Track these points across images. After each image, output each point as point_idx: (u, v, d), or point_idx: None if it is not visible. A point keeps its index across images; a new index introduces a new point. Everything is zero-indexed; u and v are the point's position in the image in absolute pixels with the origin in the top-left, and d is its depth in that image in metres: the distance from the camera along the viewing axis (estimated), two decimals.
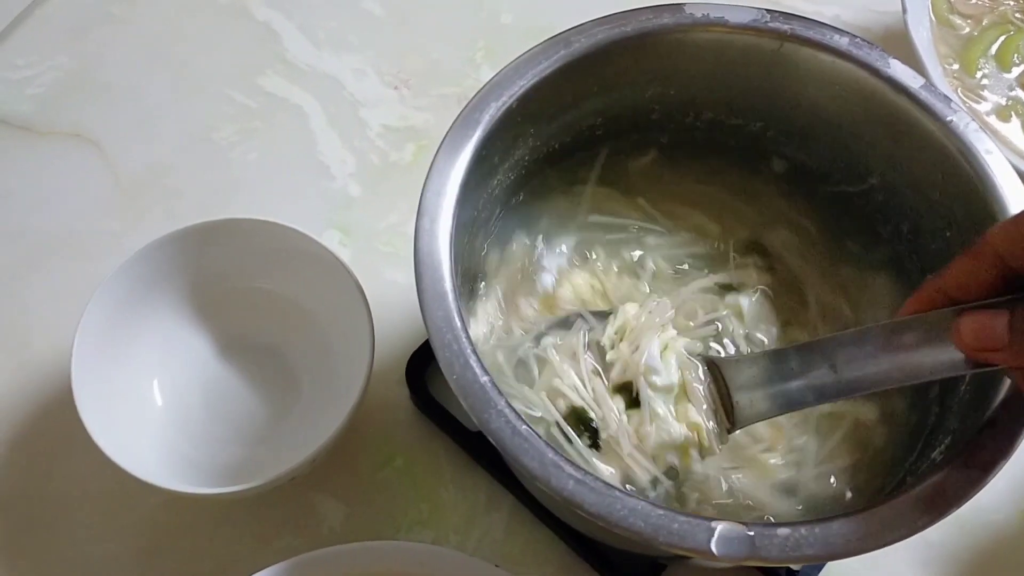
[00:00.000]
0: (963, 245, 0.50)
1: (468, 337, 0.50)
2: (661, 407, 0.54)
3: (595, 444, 0.55)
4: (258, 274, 0.68)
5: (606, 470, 0.54)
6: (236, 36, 0.86)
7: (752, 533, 0.45)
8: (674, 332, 0.57)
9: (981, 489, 0.47)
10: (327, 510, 0.65)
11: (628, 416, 0.55)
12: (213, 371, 0.67)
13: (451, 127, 0.56)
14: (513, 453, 0.47)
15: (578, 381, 0.56)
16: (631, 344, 0.56)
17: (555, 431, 0.55)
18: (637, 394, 0.55)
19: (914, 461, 0.55)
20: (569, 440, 0.55)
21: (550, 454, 0.47)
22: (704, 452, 0.54)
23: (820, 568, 0.63)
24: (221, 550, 0.64)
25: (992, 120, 0.74)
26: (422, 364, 0.68)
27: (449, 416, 0.66)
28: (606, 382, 0.56)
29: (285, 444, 0.64)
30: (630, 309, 0.57)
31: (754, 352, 0.59)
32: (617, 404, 0.55)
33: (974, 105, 0.75)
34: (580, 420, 0.55)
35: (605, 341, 0.57)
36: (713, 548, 0.45)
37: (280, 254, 0.66)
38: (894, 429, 0.59)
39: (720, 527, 0.45)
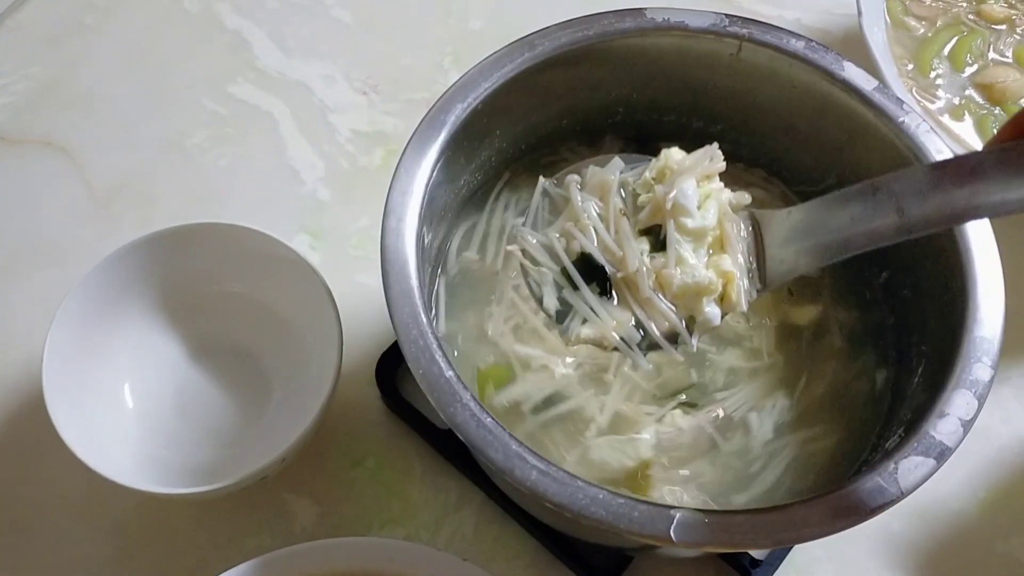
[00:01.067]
0: (915, 244, 0.51)
1: (434, 333, 0.51)
2: (689, 253, 0.50)
3: (605, 292, 0.51)
4: (229, 278, 0.69)
5: (621, 315, 0.51)
6: (207, 45, 0.87)
7: (709, 520, 0.46)
8: (720, 184, 0.53)
9: (932, 475, 0.49)
10: (299, 510, 0.66)
11: (652, 258, 0.51)
12: (184, 374, 0.68)
13: (417, 128, 0.57)
14: (478, 445, 0.48)
15: (599, 222, 0.52)
16: (667, 186, 0.51)
17: (561, 278, 0.52)
18: (665, 237, 0.51)
19: (869, 452, 0.57)
20: (576, 288, 0.51)
21: (514, 446, 0.48)
22: (728, 307, 0.51)
23: (783, 557, 0.64)
24: (195, 550, 0.64)
25: (946, 119, 0.76)
26: (392, 365, 0.69)
27: (419, 415, 0.67)
28: (632, 223, 0.52)
29: (257, 445, 0.64)
30: (676, 154, 0.53)
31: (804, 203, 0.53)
32: (641, 246, 0.51)
33: (929, 104, 0.77)
34: (588, 266, 0.51)
35: (640, 185, 0.53)
36: (672, 535, 0.46)
37: (251, 258, 0.67)
38: (852, 422, 0.60)
39: (679, 515, 0.47)
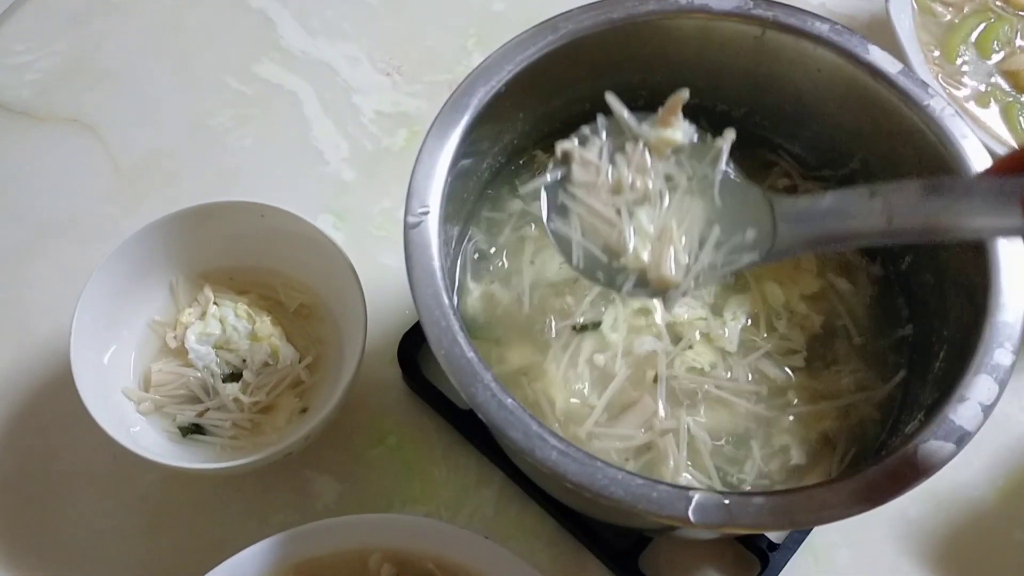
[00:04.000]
0: None
1: (456, 314, 0.52)
2: None
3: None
4: (255, 256, 0.69)
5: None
6: (232, 23, 0.87)
7: (728, 501, 0.47)
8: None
9: (951, 460, 0.49)
10: (321, 487, 0.67)
11: None
12: None
13: (440, 111, 0.57)
14: (499, 425, 0.49)
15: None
16: None
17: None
18: None
19: (888, 435, 0.57)
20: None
21: (534, 426, 0.49)
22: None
23: (801, 541, 0.64)
24: (218, 525, 0.65)
25: (971, 106, 0.76)
26: (414, 345, 0.69)
27: (440, 395, 0.68)
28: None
29: None
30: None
31: (815, 192, 0.58)
32: None
33: (954, 91, 0.76)
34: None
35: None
36: (691, 515, 0.47)
37: (277, 237, 0.67)
38: (871, 403, 0.60)
39: (697, 496, 0.47)
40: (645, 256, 0.52)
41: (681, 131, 0.54)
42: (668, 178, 0.54)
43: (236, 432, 0.64)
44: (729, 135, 0.54)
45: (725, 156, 0.54)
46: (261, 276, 0.69)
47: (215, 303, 0.67)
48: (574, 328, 0.61)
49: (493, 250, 0.65)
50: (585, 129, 0.55)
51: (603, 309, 0.62)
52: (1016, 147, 0.48)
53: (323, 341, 0.68)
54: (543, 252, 0.64)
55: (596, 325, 0.61)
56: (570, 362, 0.60)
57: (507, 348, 0.61)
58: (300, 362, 0.66)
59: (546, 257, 0.64)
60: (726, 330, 0.61)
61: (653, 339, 0.61)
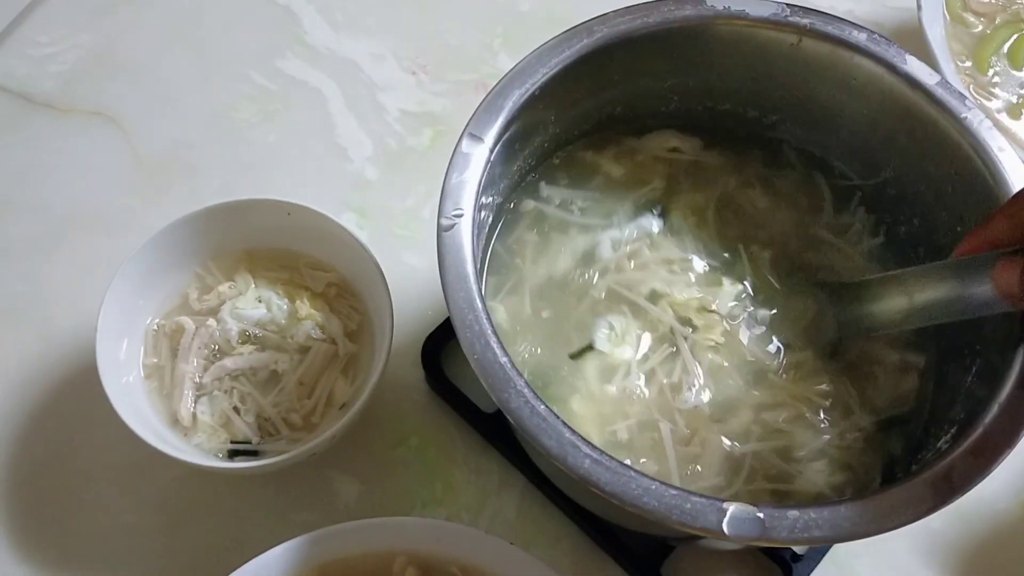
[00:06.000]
0: None
1: (488, 318, 0.51)
2: None
3: None
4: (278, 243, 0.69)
5: None
6: (256, 18, 0.87)
7: (762, 515, 0.46)
8: None
9: (986, 476, 0.49)
10: (343, 487, 0.66)
11: None
12: None
13: (475, 112, 0.57)
14: (532, 432, 0.48)
15: None
16: None
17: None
18: None
19: (918, 449, 0.57)
20: None
21: (567, 434, 0.48)
22: None
23: (824, 551, 0.64)
24: (239, 523, 0.65)
25: (1003, 118, 0.76)
26: (437, 346, 0.69)
27: (463, 398, 0.68)
28: None
29: None
30: None
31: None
32: None
33: (986, 102, 0.76)
34: None
35: None
36: (725, 528, 0.46)
37: (302, 235, 0.67)
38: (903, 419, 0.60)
39: (732, 508, 0.47)
40: None
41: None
42: None
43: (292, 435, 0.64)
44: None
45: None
46: (285, 259, 0.69)
47: (255, 285, 0.67)
48: (571, 356, 0.61)
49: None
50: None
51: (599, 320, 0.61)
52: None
53: (361, 312, 0.67)
54: (547, 253, 0.64)
55: (588, 348, 0.61)
56: (589, 395, 0.60)
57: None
58: (343, 333, 0.66)
59: (551, 256, 0.64)
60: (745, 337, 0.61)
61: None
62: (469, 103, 0.58)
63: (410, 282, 0.72)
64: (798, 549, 0.63)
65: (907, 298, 0.55)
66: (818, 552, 0.64)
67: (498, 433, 0.67)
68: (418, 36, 0.86)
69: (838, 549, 0.65)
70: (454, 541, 0.56)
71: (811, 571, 0.63)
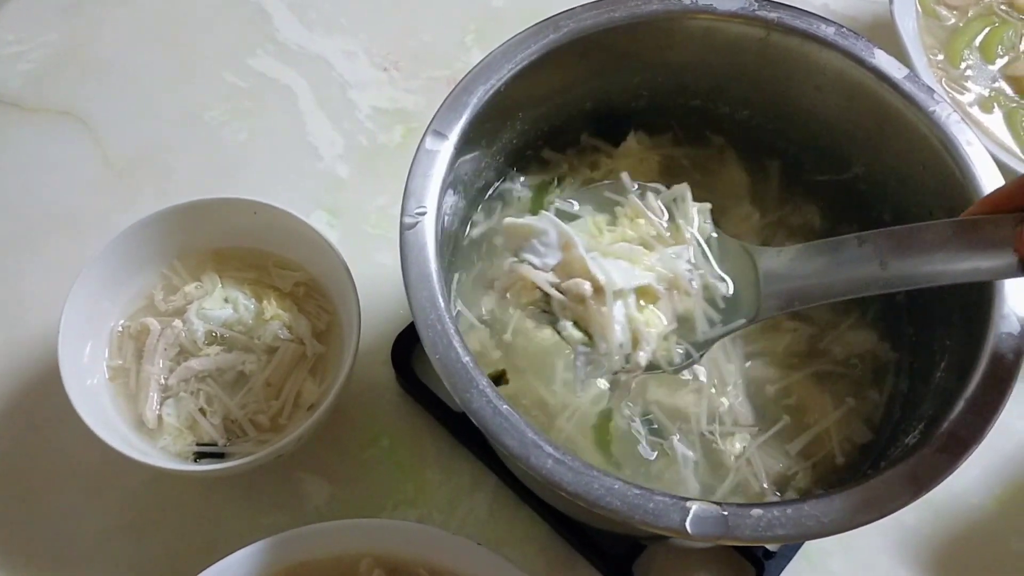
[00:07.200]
0: None
1: (452, 317, 0.51)
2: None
3: None
4: (245, 242, 0.68)
5: None
6: (227, 16, 0.86)
7: (726, 513, 0.46)
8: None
9: (952, 472, 0.48)
10: (312, 489, 0.66)
11: None
12: None
13: (439, 109, 0.56)
14: (494, 432, 0.48)
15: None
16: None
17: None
18: None
19: (885, 446, 0.56)
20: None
21: (530, 434, 0.48)
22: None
23: (797, 548, 0.64)
24: (207, 527, 0.64)
25: (975, 111, 0.75)
26: (408, 346, 0.69)
27: (434, 397, 0.67)
28: None
29: None
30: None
31: (789, 246, 0.55)
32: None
33: (958, 96, 0.76)
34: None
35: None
36: (688, 527, 0.46)
37: (269, 234, 0.67)
38: (869, 415, 0.59)
39: (695, 507, 0.46)
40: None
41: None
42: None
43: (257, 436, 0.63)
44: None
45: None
46: (253, 259, 0.68)
47: (222, 285, 0.66)
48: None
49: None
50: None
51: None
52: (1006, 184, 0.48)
53: (330, 312, 0.67)
54: None
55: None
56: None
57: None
58: (311, 333, 0.65)
59: None
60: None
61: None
62: (442, 100, 0.57)
63: (382, 281, 0.71)
64: (770, 545, 0.63)
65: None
66: (791, 549, 0.63)
67: (469, 433, 0.66)
68: (391, 33, 0.86)
69: (811, 546, 0.64)
70: (421, 542, 0.56)
71: (783, 568, 0.63)
